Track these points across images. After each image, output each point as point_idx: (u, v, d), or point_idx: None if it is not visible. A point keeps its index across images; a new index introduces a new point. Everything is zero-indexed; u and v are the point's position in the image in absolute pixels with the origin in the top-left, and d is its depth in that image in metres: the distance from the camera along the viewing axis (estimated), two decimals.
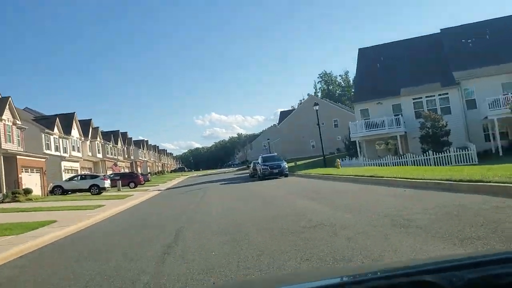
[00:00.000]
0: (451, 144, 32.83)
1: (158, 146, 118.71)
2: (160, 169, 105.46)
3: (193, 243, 7.59)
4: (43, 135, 41.41)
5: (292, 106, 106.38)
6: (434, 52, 41.55)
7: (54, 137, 44.28)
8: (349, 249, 5.64)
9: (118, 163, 62.81)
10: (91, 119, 59.65)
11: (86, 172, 47.28)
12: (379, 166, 29.08)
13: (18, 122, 35.58)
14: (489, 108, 32.23)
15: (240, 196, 18.64)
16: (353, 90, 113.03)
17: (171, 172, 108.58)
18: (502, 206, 7.72)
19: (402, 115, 36.98)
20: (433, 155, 31.34)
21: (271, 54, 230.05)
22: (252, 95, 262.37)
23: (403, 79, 39.56)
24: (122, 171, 58.06)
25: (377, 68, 43.31)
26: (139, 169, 76.75)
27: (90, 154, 56.66)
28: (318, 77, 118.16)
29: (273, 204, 13.22)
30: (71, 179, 36.94)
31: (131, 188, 41.45)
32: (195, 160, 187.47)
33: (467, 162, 29.93)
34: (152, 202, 23.29)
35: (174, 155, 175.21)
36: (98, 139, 60.23)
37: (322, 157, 39.65)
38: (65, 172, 42.58)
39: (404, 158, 32.11)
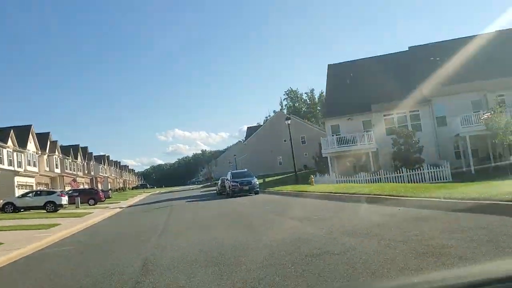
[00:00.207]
0: (423, 161, 32.40)
1: (119, 162, 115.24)
2: (121, 185, 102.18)
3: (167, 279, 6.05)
4: None
5: (257, 123, 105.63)
6: (404, 69, 41.51)
7: (7, 150, 41.49)
8: None
9: (77, 178, 60.07)
10: (49, 132, 56.94)
11: (43, 188, 44.48)
12: (354, 183, 28.11)
13: None
14: (461, 125, 32.02)
15: (215, 215, 17.07)
16: (318, 108, 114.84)
17: (132, 189, 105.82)
18: None
19: (373, 131, 36.41)
20: (407, 172, 30.71)
21: (235, 71, 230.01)
22: (217, 112, 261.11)
23: (373, 95, 39.17)
24: (82, 187, 55.33)
25: (347, 84, 42.86)
26: (99, 186, 73.87)
27: (47, 169, 53.69)
28: (284, 94, 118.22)
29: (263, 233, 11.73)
30: (24, 195, 34.15)
31: (90, 205, 39.03)
32: (157, 177, 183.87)
33: (440, 180, 29.40)
34: (113, 221, 21.38)
35: (136, 171, 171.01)
36: (57, 153, 57.33)
37: (291, 174, 38.59)
38: (19, 188, 39.83)
39: (377, 175, 31.32)
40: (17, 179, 40.16)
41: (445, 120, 36.66)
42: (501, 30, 40.63)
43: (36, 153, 50.29)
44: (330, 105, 42.25)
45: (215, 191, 43.01)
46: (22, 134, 45.82)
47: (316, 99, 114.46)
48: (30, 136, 48.34)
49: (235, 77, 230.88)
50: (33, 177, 45.31)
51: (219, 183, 39.98)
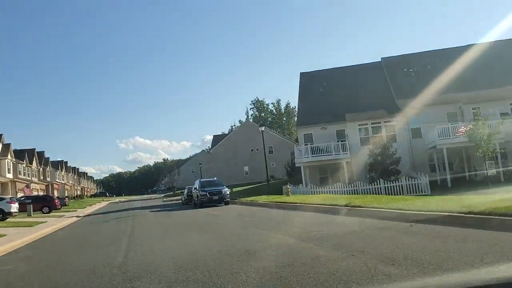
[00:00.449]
0: (400, 173, 31.44)
1: (78, 169, 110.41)
2: (79, 193, 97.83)
3: None
4: None
5: (222, 132, 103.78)
6: (377, 79, 40.89)
7: None
8: None
9: (31, 185, 56.44)
10: (1, 134, 52.91)
11: None
12: (330, 193, 26.63)
13: None
14: (439, 137, 31.23)
15: (188, 227, 15.10)
16: (284, 119, 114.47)
17: (91, 197, 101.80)
18: None
19: (347, 141, 35.26)
20: (384, 184, 29.55)
21: (198, 81, 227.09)
22: (179, 120, 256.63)
23: (347, 104, 38.24)
24: (36, 193, 51.81)
25: (320, 92, 41.75)
26: (55, 193, 70.10)
27: None
28: (250, 104, 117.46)
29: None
30: None
31: (44, 213, 36.06)
32: (117, 185, 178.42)
33: (418, 192, 28.35)
34: (68, 232, 19.03)
35: (95, 178, 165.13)
36: (9, 157, 53.54)
37: (258, 184, 36.99)
38: None
39: (354, 186, 30.02)
40: None
41: (420, 132, 35.98)
42: (476, 44, 40.56)
43: None
44: (303, 113, 40.94)
45: (180, 201, 40.85)
46: None
47: (283, 110, 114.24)
48: None
49: (198, 86, 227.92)
50: None
51: (185, 192, 37.97)
